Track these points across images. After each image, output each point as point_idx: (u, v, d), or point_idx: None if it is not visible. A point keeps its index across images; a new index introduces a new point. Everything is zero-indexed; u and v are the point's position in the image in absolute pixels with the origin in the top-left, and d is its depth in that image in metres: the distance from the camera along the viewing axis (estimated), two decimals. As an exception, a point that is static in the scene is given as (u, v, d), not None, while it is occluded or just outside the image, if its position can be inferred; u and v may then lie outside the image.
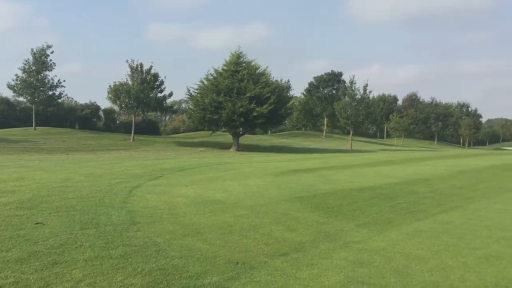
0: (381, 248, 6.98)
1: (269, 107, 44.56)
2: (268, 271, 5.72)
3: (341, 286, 5.27)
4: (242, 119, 44.57)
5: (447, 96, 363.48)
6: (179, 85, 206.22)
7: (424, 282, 5.43)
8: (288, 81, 76.72)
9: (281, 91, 49.83)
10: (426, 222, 9.23)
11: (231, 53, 48.70)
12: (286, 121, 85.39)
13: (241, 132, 49.99)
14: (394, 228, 8.51)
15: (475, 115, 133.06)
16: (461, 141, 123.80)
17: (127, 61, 48.81)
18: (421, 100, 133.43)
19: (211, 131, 54.56)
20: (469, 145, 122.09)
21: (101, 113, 74.41)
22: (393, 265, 6.08)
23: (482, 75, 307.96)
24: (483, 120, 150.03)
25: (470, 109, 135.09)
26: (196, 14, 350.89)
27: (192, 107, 49.66)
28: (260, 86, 45.56)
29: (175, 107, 71.74)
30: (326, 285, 5.30)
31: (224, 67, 47.89)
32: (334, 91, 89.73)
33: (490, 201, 12.66)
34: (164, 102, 52.39)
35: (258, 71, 48.50)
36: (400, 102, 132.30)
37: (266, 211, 9.91)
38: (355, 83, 64.87)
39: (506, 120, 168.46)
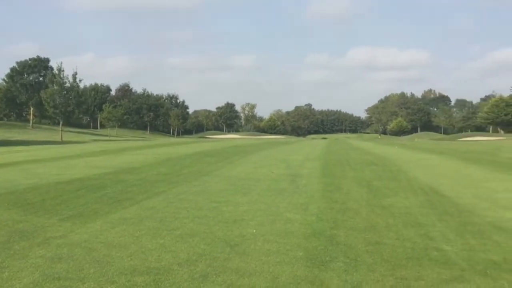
0: (83, 240, 6.84)
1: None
2: None
3: (35, 285, 4.94)
4: None
5: (158, 87, 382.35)
6: None
7: (123, 268, 5.57)
8: (-15, 64, 67.50)
9: (-26, 76, 43.32)
10: (132, 209, 9.49)
11: None
12: (-17, 110, 75.16)
13: None
14: (99, 219, 8.46)
15: (183, 106, 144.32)
16: (171, 131, 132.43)
17: None
18: (133, 91, 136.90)
19: None
20: (178, 134, 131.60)
21: None
22: (94, 256, 6.04)
23: (189, 70, 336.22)
24: (190, 111, 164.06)
25: (178, 101, 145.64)
26: None
27: None
28: None
29: None
30: (17, 287, 4.88)
31: None
32: (41, 78, 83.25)
33: (191, 184, 13.88)
34: None
35: None
36: (113, 93, 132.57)
37: None
38: (63, 70, 61.71)
39: (209, 112, 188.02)
